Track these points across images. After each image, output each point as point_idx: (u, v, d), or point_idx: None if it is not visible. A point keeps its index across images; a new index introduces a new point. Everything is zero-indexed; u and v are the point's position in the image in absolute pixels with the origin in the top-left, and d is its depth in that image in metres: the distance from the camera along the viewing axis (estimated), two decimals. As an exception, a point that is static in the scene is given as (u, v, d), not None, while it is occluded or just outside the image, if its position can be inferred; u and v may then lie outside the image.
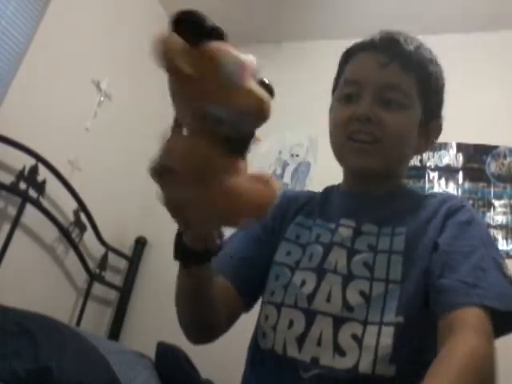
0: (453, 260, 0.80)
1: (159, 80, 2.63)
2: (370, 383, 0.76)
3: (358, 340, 0.79)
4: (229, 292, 0.94)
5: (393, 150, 0.92)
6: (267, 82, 0.54)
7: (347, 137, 0.91)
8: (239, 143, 0.54)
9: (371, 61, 0.93)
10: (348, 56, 1.00)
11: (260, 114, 0.51)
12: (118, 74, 2.59)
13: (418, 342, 0.80)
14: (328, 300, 0.84)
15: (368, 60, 0.94)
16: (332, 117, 0.98)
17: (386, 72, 0.91)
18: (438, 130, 1.01)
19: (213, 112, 0.50)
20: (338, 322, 0.81)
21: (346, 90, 0.95)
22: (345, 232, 0.91)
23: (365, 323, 0.80)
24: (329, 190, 1.06)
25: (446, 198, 0.94)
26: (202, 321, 0.87)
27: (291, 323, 0.84)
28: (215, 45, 0.49)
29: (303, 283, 0.87)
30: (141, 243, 2.69)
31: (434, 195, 0.99)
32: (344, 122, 0.92)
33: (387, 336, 0.78)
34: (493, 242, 0.90)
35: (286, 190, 1.20)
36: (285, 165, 2.68)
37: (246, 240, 1.01)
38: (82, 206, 2.29)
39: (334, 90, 1.04)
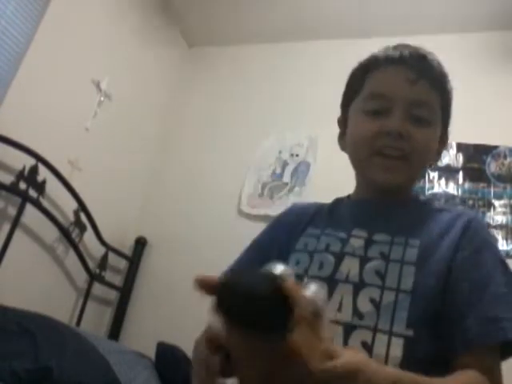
0: (471, 293, 0.81)
1: (159, 80, 2.62)
2: None
3: (368, 348, 0.79)
4: None
5: (419, 165, 0.95)
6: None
7: (375, 151, 0.92)
8: None
9: (400, 76, 0.92)
10: (370, 67, 0.98)
11: None
12: (118, 74, 2.59)
13: (426, 356, 0.80)
14: (339, 310, 0.84)
15: (397, 75, 0.93)
16: (356, 128, 0.98)
17: (416, 88, 0.92)
18: (446, 142, 1.03)
19: None
20: (348, 330, 0.81)
21: (373, 104, 0.94)
22: (356, 243, 0.91)
23: (374, 331, 0.80)
24: (339, 200, 1.08)
25: (460, 213, 0.95)
26: None
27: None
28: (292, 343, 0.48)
29: None
30: (141, 243, 2.69)
31: (449, 210, 0.98)
32: (372, 135, 0.92)
33: (397, 347, 0.79)
34: (504, 260, 0.90)
35: (294, 203, 1.20)
36: (285, 164, 2.68)
37: (255, 257, 1.02)
38: (82, 206, 2.29)
39: (347, 99, 1.03)
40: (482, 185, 2.34)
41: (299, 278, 0.90)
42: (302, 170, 2.63)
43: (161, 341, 1.95)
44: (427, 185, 2.41)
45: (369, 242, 0.90)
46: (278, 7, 2.81)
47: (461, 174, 2.40)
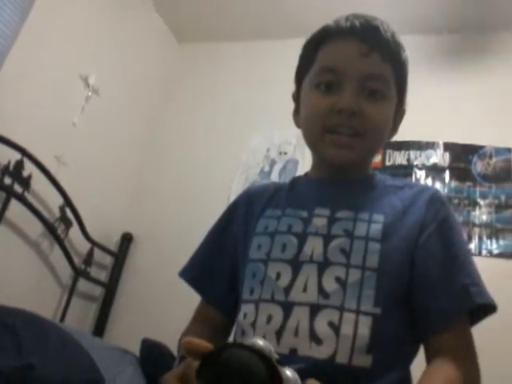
0: (440, 270, 0.84)
1: (148, 76, 2.61)
2: (347, 374, 0.76)
3: (335, 328, 0.78)
4: (215, 321, 1.00)
5: (374, 142, 0.93)
6: None
7: (327, 129, 0.90)
8: None
9: (352, 49, 0.89)
10: (321, 40, 0.95)
11: None
12: (106, 69, 2.57)
13: (395, 334, 0.81)
14: (304, 290, 0.82)
15: (348, 48, 0.90)
16: (307, 105, 0.95)
17: (368, 61, 0.89)
18: (402, 115, 1.01)
19: None
20: (315, 310, 0.80)
21: (323, 78, 0.91)
22: (319, 222, 0.89)
23: (341, 310, 0.79)
24: (297, 179, 1.06)
25: (422, 189, 0.95)
26: None
27: (270, 318, 0.83)
28: None
29: (278, 276, 0.86)
30: (127, 239, 2.68)
31: (410, 186, 0.98)
32: (324, 113, 0.89)
33: (364, 326, 0.78)
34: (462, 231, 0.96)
35: (250, 186, 1.19)
36: (273, 163, 2.69)
37: (211, 250, 1.05)
38: (67, 202, 2.27)
39: (300, 73, 1.00)
40: (467, 184, 2.36)
41: (264, 263, 0.89)
42: (290, 168, 2.64)
43: (146, 337, 1.94)
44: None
45: (332, 220, 0.89)
46: (270, 5, 2.80)
47: (447, 173, 2.41)
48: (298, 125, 1.01)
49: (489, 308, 0.84)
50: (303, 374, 0.55)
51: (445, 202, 0.93)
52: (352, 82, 0.88)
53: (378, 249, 0.84)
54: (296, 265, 0.85)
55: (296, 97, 1.02)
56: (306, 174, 1.05)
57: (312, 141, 0.95)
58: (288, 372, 0.53)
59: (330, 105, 0.89)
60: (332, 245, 0.85)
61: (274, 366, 0.51)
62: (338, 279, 0.82)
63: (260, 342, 0.53)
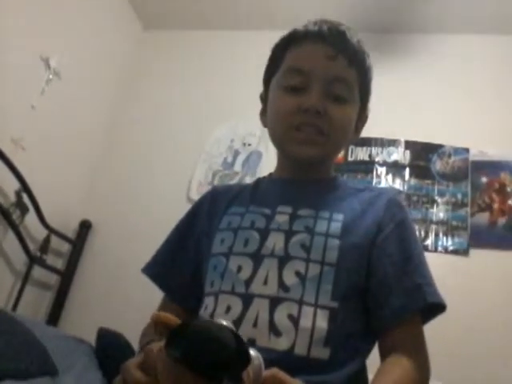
0: (394, 268, 0.87)
1: (112, 61, 2.54)
2: (305, 366, 0.77)
3: (294, 321, 0.80)
4: (178, 317, 0.99)
5: (336, 143, 0.97)
6: None
7: (293, 128, 0.93)
8: None
9: (319, 52, 0.93)
10: (290, 43, 0.98)
11: None
12: (69, 51, 2.50)
13: (351, 328, 0.84)
14: (265, 283, 0.84)
15: (315, 51, 0.93)
16: (275, 105, 0.98)
17: (334, 65, 0.92)
18: (365, 120, 1.05)
19: None
20: (274, 303, 0.82)
21: (291, 80, 0.94)
22: (281, 218, 0.92)
23: (300, 303, 0.81)
24: (260, 180, 1.09)
25: (381, 192, 1.00)
26: None
27: (228, 309, 0.84)
28: None
29: (239, 269, 0.87)
30: (85, 226, 2.62)
31: (370, 189, 1.03)
32: (290, 112, 0.93)
33: (322, 319, 0.80)
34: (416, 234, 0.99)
35: (214, 186, 1.21)
36: (236, 153, 2.68)
37: (175, 246, 1.06)
38: (24, 187, 2.20)
39: (268, 74, 1.03)
40: (426, 182, 2.41)
41: (225, 256, 0.91)
42: (253, 160, 2.63)
43: (102, 326, 1.91)
44: (375, 179, 2.46)
45: (294, 217, 0.91)
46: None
47: (407, 170, 2.46)
48: (264, 124, 1.05)
49: (439, 308, 0.87)
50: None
51: (402, 205, 0.98)
52: (318, 84, 0.92)
53: (337, 244, 0.86)
54: (257, 258, 0.87)
55: (264, 97, 1.05)
56: (271, 175, 1.08)
57: (278, 139, 0.98)
58: (252, 352, 0.53)
59: (297, 104, 0.92)
60: (293, 240, 0.88)
61: (242, 341, 0.51)
62: (297, 273, 0.84)
63: (224, 322, 0.53)
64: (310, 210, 0.92)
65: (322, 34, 0.94)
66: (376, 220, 0.91)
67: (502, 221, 2.25)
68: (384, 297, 0.85)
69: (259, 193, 1.03)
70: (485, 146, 2.40)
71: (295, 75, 0.94)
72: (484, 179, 2.36)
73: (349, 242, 0.87)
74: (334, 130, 0.92)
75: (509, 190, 2.31)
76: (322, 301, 0.82)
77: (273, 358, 0.76)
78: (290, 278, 0.83)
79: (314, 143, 0.93)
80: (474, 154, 2.41)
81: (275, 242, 0.88)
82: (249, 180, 2.56)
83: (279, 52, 0.99)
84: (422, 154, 2.48)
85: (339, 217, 0.90)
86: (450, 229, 2.29)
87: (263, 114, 1.05)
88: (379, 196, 0.96)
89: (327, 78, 0.92)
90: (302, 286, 0.82)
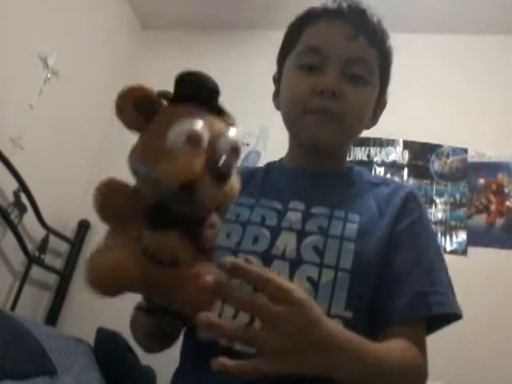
0: (403, 268, 0.82)
1: (110, 61, 2.54)
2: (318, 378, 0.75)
3: None
4: None
5: (352, 127, 0.91)
6: (221, 163, 0.55)
7: (307, 110, 0.88)
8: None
9: (338, 31, 0.88)
10: (307, 20, 0.92)
11: (181, 184, 0.51)
12: (67, 51, 2.49)
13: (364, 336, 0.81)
14: None
15: (334, 29, 0.88)
16: (289, 85, 0.93)
17: (354, 45, 0.87)
18: (384, 106, 1.00)
19: (138, 169, 0.55)
20: None
21: (307, 59, 0.89)
22: (294, 216, 0.86)
23: None
24: (271, 166, 1.03)
25: (397, 187, 0.94)
26: (167, 345, 0.88)
27: (236, 312, 0.79)
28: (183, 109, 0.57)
29: None
30: (84, 226, 2.62)
31: (386, 183, 0.96)
32: (305, 93, 0.87)
33: None
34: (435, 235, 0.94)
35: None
36: (235, 153, 2.67)
37: None
38: (23, 187, 2.20)
39: (282, 54, 0.98)
40: (425, 182, 2.42)
41: (233, 253, 0.84)
42: (251, 160, 2.63)
43: (101, 326, 1.91)
44: (373, 180, 2.46)
45: (307, 215, 0.86)
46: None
47: (406, 170, 2.46)
48: (277, 107, 0.99)
49: (453, 316, 0.83)
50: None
51: (419, 202, 0.92)
52: (336, 64, 0.87)
53: (353, 249, 0.81)
54: (267, 259, 0.82)
55: (277, 78, 1.00)
56: (281, 161, 1.02)
57: (291, 122, 0.93)
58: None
59: (312, 85, 0.87)
60: (305, 242, 0.83)
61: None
62: (309, 279, 0.79)
63: None
64: (324, 208, 0.87)
65: (342, 11, 0.89)
66: (392, 216, 0.86)
67: (499, 222, 2.26)
68: (389, 297, 0.81)
69: (270, 184, 0.96)
70: (483, 147, 2.40)
71: (312, 54, 0.89)
72: (481, 181, 2.36)
73: (365, 246, 0.82)
74: (350, 113, 0.87)
75: (506, 191, 2.31)
76: (336, 310, 0.77)
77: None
78: (301, 285, 0.77)
79: (329, 127, 0.87)
80: (472, 156, 2.41)
81: (286, 242, 0.83)
82: (247, 180, 2.56)
83: (295, 30, 0.94)
84: (421, 154, 2.48)
85: (355, 217, 0.85)
86: (448, 229, 2.29)
87: (276, 96, 1.00)
88: (396, 191, 0.91)
89: (346, 59, 0.86)
90: (314, 293, 0.77)
